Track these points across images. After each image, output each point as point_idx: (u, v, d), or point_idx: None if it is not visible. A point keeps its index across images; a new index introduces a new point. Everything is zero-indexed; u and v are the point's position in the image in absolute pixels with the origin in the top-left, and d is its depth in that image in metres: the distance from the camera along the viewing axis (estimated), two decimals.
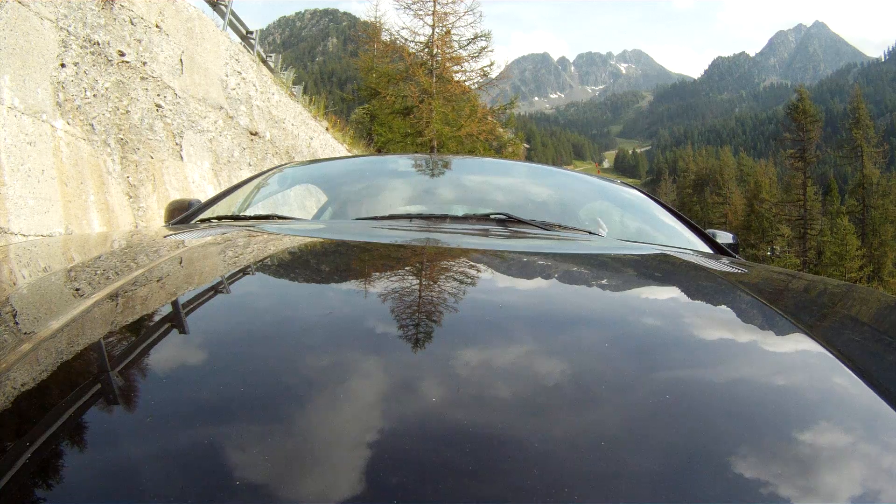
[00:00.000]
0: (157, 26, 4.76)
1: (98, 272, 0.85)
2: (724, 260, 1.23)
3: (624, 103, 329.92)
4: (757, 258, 35.60)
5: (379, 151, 18.27)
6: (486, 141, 22.38)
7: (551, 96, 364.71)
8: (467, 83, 23.21)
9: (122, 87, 4.16)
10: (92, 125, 3.76)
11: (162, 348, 0.55)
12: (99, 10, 3.95)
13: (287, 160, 7.87)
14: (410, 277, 0.82)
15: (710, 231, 1.83)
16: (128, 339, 0.58)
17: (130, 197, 4.10)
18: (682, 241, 1.62)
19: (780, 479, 0.41)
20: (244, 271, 0.83)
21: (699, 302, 0.88)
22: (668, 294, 0.90)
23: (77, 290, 0.75)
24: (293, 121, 8.94)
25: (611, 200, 2.08)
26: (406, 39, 23.20)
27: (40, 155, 3.22)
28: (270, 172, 2.04)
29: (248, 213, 1.69)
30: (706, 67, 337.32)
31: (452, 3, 22.48)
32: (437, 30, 22.48)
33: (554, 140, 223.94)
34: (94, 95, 3.82)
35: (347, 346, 0.57)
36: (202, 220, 1.56)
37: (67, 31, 3.58)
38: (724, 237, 1.86)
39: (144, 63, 4.48)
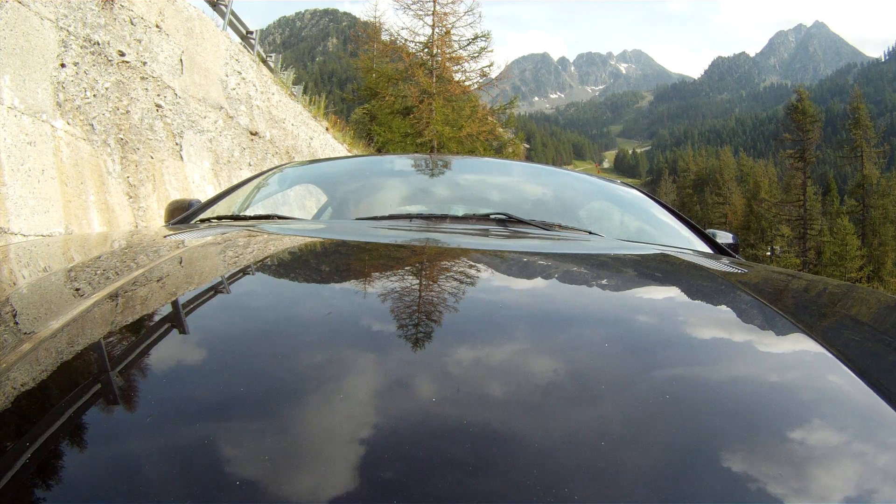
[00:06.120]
0: (157, 26, 4.76)
1: (98, 272, 0.85)
2: (724, 260, 1.23)
3: (624, 103, 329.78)
4: (757, 258, 35.56)
5: (379, 151, 18.25)
6: (487, 141, 22.38)
7: (551, 96, 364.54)
8: (467, 83, 23.21)
9: (122, 87, 4.16)
10: (92, 125, 3.75)
11: (162, 348, 0.55)
12: (99, 10, 3.95)
13: (287, 160, 7.86)
14: (410, 277, 0.82)
15: (710, 231, 1.83)
16: (128, 339, 0.58)
17: (130, 197, 4.10)
18: (682, 241, 1.62)
19: (779, 479, 0.41)
20: (244, 271, 0.83)
21: (699, 302, 0.88)
22: (668, 294, 0.90)
23: (77, 290, 0.75)
24: (293, 121, 8.93)
25: (611, 200, 2.08)
26: (406, 39, 23.21)
27: (40, 155, 3.21)
28: (270, 172, 2.03)
29: (248, 213, 1.69)
30: (706, 67, 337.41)
31: (452, 3, 22.50)
32: (436, 30, 22.49)
33: (554, 140, 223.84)
34: (94, 95, 3.82)
35: (347, 345, 0.57)
36: (202, 220, 1.56)
37: (67, 31, 3.58)
38: (724, 237, 1.86)
39: (144, 63, 4.48)
